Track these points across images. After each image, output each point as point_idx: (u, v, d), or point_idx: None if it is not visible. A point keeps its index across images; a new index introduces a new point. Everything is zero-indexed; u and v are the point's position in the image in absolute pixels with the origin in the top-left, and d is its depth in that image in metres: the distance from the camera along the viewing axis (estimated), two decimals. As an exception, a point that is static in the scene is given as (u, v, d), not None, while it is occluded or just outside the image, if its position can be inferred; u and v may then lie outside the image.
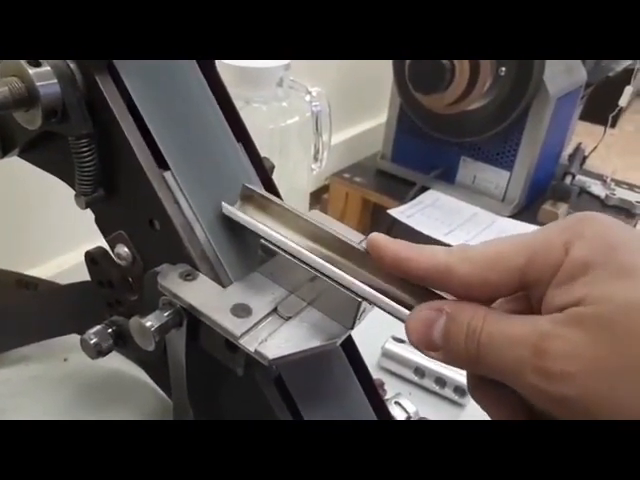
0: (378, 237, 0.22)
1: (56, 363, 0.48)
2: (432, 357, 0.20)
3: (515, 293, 0.20)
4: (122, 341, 0.30)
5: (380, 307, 0.23)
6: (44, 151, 0.28)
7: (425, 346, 0.20)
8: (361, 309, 0.24)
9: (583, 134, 1.18)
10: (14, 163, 0.30)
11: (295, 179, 0.63)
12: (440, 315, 0.20)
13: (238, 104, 0.30)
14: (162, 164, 0.26)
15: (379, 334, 0.51)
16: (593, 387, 0.16)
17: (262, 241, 0.25)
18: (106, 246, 0.30)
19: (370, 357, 0.54)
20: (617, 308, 0.16)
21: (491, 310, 0.19)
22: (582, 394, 0.16)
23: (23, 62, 0.23)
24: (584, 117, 1.11)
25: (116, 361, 0.42)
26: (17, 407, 0.44)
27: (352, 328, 0.24)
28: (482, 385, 0.21)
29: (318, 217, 0.29)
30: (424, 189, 0.99)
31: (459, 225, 0.91)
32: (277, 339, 0.23)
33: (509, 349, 0.18)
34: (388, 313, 0.23)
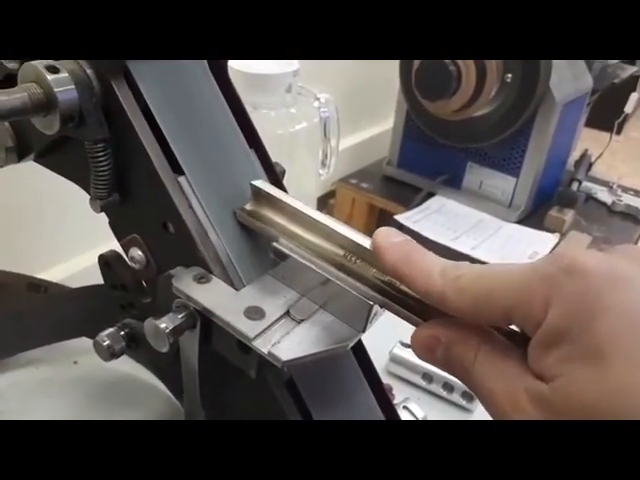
0: (381, 239, 0.22)
1: (66, 366, 0.49)
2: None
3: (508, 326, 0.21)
4: (134, 344, 0.31)
5: (391, 311, 0.23)
6: (60, 156, 0.29)
7: (431, 364, 0.22)
8: (373, 312, 0.24)
9: (589, 140, 1.18)
10: (25, 167, 0.31)
11: (303, 185, 0.64)
12: (438, 343, 0.21)
13: (251, 111, 0.31)
14: (176, 169, 0.26)
15: (387, 339, 0.51)
16: None
17: (274, 244, 0.26)
18: (117, 249, 0.30)
19: (378, 362, 0.53)
20: (573, 410, 0.17)
21: (482, 348, 0.20)
22: None
23: (42, 68, 0.24)
24: (590, 124, 1.11)
25: (125, 364, 0.42)
26: (26, 410, 0.44)
27: (364, 331, 0.25)
28: None
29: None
30: (430, 195, 0.99)
31: (465, 231, 0.91)
32: (290, 341, 0.23)
33: (492, 400, 0.19)
34: (399, 317, 0.23)
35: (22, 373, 0.48)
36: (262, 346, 0.23)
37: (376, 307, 0.24)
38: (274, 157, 0.32)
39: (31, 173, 0.32)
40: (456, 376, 0.21)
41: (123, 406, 0.45)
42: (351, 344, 0.24)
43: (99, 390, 0.47)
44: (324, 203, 1.08)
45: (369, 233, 0.24)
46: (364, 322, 0.24)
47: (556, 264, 0.18)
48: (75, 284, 0.42)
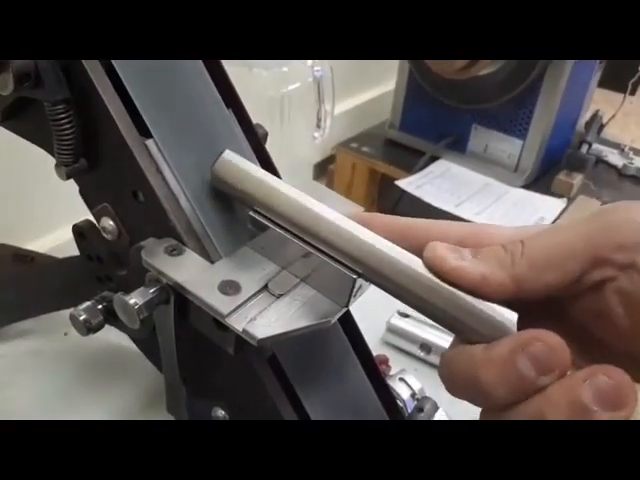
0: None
1: (56, 337, 0.48)
2: (451, 268, 0.19)
3: None
4: (113, 317, 0.29)
5: (376, 284, 0.21)
6: (24, 119, 0.27)
7: (449, 255, 0.20)
8: (357, 286, 0.22)
9: (602, 102, 1.14)
10: (12, 136, 0.29)
11: (297, 148, 0.61)
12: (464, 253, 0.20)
13: (241, 70, 0.28)
14: (144, 131, 0.24)
15: (384, 309, 0.50)
16: None
17: (251, 213, 0.24)
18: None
19: (375, 332, 0.52)
20: None
21: None
22: None
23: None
24: (603, 84, 1.06)
25: (117, 335, 0.41)
26: (17, 382, 0.44)
27: (347, 306, 0.23)
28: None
29: (315, 190, 0.28)
30: (434, 159, 0.96)
31: (469, 196, 0.89)
32: (267, 318, 0.22)
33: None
34: (385, 290, 0.21)
35: (12, 345, 0.47)
36: (236, 323, 0.21)
37: (360, 281, 0.22)
38: (266, 118, 0.30)
39: (18, 142, 0.29)
40: (491, 258, 0.19)
41: (113, 378, 0.45)
42: (333, 320, 0.23)
43: (89, 362, 0.47)
44: (323, 169, 1.05)
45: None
46: (347, 297, 0.22)
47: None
48: (63, 254, 0.40)
